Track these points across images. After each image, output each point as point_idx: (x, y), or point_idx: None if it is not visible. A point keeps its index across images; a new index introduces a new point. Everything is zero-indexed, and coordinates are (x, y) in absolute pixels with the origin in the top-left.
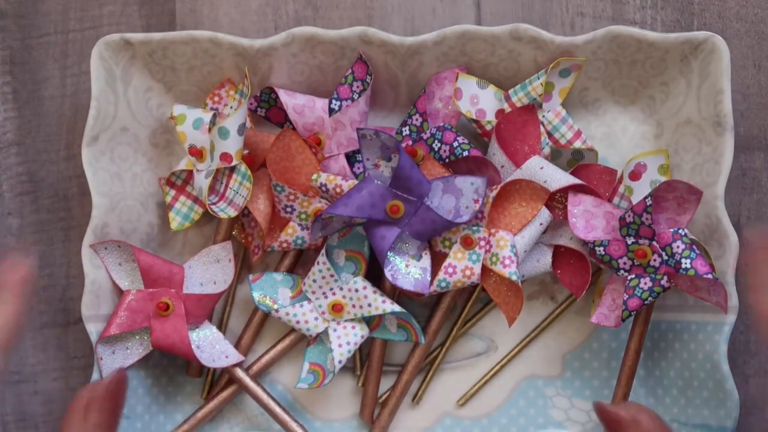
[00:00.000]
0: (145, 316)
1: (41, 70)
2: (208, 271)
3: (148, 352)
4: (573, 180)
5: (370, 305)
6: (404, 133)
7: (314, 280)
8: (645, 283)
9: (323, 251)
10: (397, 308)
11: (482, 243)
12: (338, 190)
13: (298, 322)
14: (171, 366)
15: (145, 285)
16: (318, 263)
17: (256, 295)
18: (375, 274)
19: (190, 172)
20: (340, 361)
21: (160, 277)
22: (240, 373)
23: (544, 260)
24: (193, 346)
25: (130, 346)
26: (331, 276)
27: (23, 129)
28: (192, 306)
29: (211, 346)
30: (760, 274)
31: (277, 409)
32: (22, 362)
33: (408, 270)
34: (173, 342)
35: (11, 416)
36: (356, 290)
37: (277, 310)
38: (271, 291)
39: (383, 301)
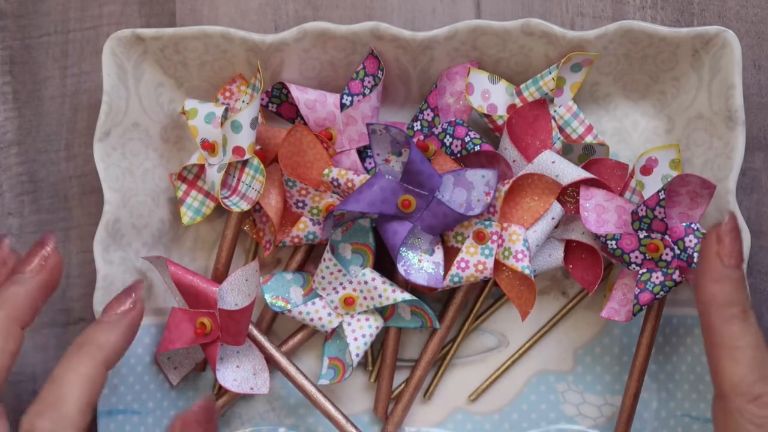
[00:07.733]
0: (187, 335)
1: (41, 70)
2: (241, 292)
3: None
4: (585, 174)
5: (380, 296)
6: (416, 129)
7: (323, 277)
8: (657, 278)
9: (327, 248)
10: (407, 296)
11: (495, 237)
12: (350, 184)
13: (312, 319)
14: None
15: (188, 303)
16: (324, 260)
17: (268, 297)
18: (387, 269)
19: (202, 167)
20: (357, 355)
21: (199, 294)
22: (278, 356)
23: (555, 255)
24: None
25: (179, 362)
26: (339, 271)
27: (23, 129)
28: (227, 323)
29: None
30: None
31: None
32: (23, 362)
33: (421, 265)
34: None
35: (11, 416)
36: (365, 282)
37: (290, 310)
38: (282, 291)
39: (393, 291)
